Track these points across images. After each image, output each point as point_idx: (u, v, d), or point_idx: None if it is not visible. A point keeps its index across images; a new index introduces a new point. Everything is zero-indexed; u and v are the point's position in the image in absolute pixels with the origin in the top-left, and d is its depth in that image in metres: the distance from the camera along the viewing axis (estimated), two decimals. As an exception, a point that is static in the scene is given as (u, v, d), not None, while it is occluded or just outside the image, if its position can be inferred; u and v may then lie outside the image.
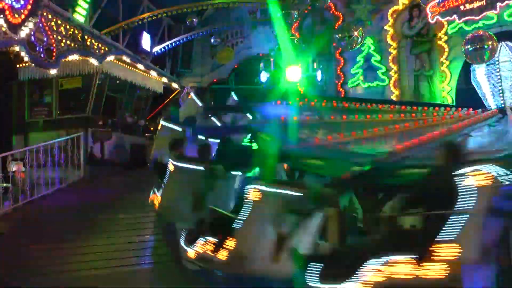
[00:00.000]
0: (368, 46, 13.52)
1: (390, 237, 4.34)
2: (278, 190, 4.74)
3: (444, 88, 12.19)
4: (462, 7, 11.72)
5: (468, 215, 3.38)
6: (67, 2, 12.59)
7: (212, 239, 5.41)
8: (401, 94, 12.99)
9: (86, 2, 13.07)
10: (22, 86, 14.01)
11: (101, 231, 8.61)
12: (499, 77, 10.44)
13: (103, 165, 13.28)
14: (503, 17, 11.19)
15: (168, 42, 18.25)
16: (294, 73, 12.23)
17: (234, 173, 6.77)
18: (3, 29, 9.35)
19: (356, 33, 9.74)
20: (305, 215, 4.54)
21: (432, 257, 3.38)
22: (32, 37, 10.05)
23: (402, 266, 3.50)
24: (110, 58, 13.46)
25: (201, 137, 8.19)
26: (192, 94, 9.17)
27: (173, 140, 7.80)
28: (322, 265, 4.10)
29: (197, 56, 20.22)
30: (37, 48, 10.42)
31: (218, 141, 8.58)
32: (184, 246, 6.12)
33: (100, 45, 13.29)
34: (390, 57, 13.25)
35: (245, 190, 5.07)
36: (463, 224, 3.37)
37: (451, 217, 3.44)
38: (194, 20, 16.29)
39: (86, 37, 12.64)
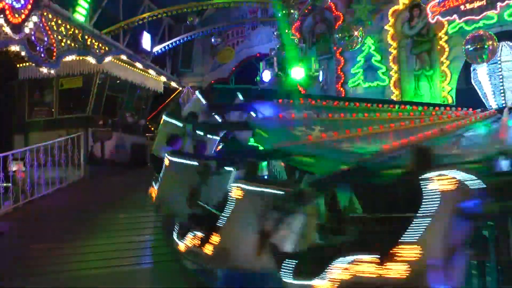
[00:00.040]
0: (369, 46, 13.51)
1: (359, 237, 4.54)
2: (260, 189, 4.87)
3: (445, 88, 12.18)
4: (462, 7, 11.71)
5: (430, 219, 3.48)
6: (68, 1, 12.58)
7: (199, 234, 5.60)
8: (402, 94, 12.98)
9: (87, 1, 13.07)
10: (23, 86, 14.02)
11: (101, 230, 8.62)
12: (501, 76, 10.42)
13: (103, 165, 13.29)
14: (503, 17, 11.17)
15: (168, 42, 18.24)
16: (298, 73, 12.24)
17: (228, 169, 6.84)
18: (4, 29, 9.36)
19: (356, 33, 9.72)
20: (287, 213, 4.67)
21: (394, 258, 3.50)
22: (33, 37, 10.06)
23: (366, 265, 3.64)
24: (111, 58, 13.46)
25: (200, 133, 8.23)
26: (197, 93, 9.21)
27: (170, 135, 7.93)
28: (296, 261, 4.26)
29: (198, 56, 20.22)
30: (38, 47, 10.42)
31: (217, 138, 8.70)
32: (176, 240, 6.29)
33: (100, 45, 13.30)
34: (390, 57, 13.23)
35: (229, 188, 5.21)
36: (425, 227, 3.47)
37: (414, 220, 3.55)
38: (195, 19, 16.29)
39: (86, 37, 12.64)
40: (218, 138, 8.79)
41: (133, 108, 16.10)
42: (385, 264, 3.54)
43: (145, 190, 9.71)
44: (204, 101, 8.80)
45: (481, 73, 10.56)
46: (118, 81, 14.49)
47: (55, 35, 11.14)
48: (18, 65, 13.46)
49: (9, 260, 7.69)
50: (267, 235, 4.67)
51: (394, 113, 8.92)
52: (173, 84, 18.16)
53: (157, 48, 17.71)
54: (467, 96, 11.44)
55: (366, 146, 6.22)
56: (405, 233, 3.53)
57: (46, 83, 13.73)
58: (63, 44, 11.60)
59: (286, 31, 13.23)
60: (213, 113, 8.75)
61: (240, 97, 8.99)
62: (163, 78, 17.03)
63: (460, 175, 3.50)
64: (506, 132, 6.22)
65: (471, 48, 8.55)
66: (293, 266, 4.27)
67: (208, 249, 5.23)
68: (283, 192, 4.74)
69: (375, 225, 4.52)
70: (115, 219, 9.18)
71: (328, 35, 14.68)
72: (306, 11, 14.94)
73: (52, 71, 11.41)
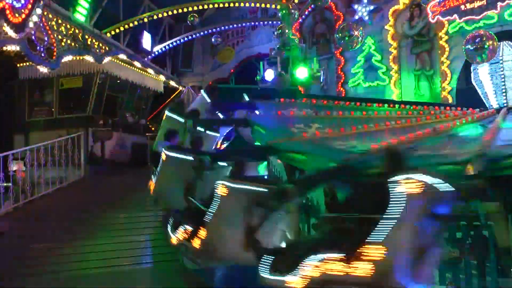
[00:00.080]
0: (369, 45, 13.52)
1: (331, 235, 4.69)
2: (244, 186, 5.05)
3: (445, 88, 12.19)
4: (462, 7, 11.72)
5: (395, 220, 3.59)
6: (68, 1, 12.58)
7: (189, 228, 5.82)
8: (402, 94, 12.99)
9: (87, 1, 13.07)
10: (23, 86, 14.02)
11: (101, 230, 8.62)
12: (502, 76, 10.41)
13: (104, 165, 13.29)
14: (503, 16, 11.18)
15: (168, 42, 18.23)
16: (302, 73, 12.27)
17: (222, 164, 6.95)
18: (4, 28, 9.36)
19: (356, 33, 9.71)
20: (271, 210, 4.83)
21: (360, 257, 3.63)
22: (33, 37, 10.05)
23: (335, 263, 3.80)
24: (111, 57, 13.46)
25: (200, 129, 8.36)
26: (202, 91, 9.34)
27: (168, 130, 8.12)
28: (273, 257, 4.43)
29: (198, 56, 20.21)
30: (38, 47, 10.42)
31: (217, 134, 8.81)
32: (170, 232, 6.50)
33: (100, 45, 13.29)
34: (390, 57, 13.24)
35: (214, 185, 5.40)
36: (390, 228, 3.59)
37: (380, 221, 3.67)
38: (196, 19, 16.28)
39: (86, 37, 12.64)
40: (218, 135, 8.88)
41: (133, 108, 16.10)
42: (351, 262, 3.67)
43: (145, 190, 9.73)
44: (209, 100, 8.95)
45: (482, 73, 10.55)
46: (118, 81, 14.49)
47: (55, 35, 11.14)
48: (18, 65, 13.45)
49: (9, 260, 7.70)
50: (251, 230, 4.82)
51: (393, 112, 8.95)
52: (173, 84, 18.16)
53: (158, 48, 17.70)
54: (467, 96, 11.44)
55: (358, 144, 6.29)
56: (371, 233, 3.65)
57: (46, 83, 13.73)
58: (63, 43, 11.60)
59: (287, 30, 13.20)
60: (217, 111, 8.90)
61: (246, 98, 9.09)
62: (163, 78, 17.03)
63: (427, 179, 3.57)
64: (492, 134, 6.23)
65: (472, 48, 8.53)
66: (270, 262, 4.42)
67: (196, 243, 5.43)
68: (266, 190, 4.86)
69: (349, 225, 4.68)
70: (115, 219, 9.18)
71: (328, 35, 14.70)
72: (307, 11, 14.95)
73: (52, 71, 11.40)
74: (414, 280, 3.55)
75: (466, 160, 4.79)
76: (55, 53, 10.94)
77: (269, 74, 13.63)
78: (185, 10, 16.59)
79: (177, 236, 6.22)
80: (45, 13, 10.72)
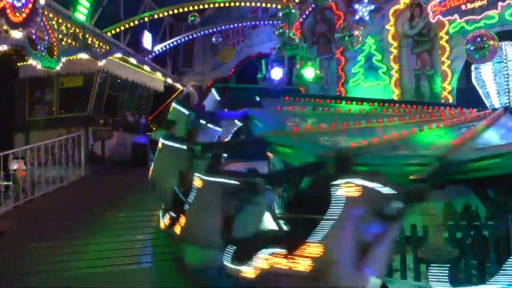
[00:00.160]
0: (369, 45, 13.52)
1: (283, 233, 5.17)
2: (217, 179, 5.45)
3: (445, 88, 12.19)
4: (463, 7, 11.72)
5: (334, 222, 3.84)
6: (69, 1, 12.59)
7: (173, 215, 6.39)
8: (402, 94, 12.99)
9: (88, 0, 13.07)
10: (23, 85, 14.01)
11: (101, 229, 8.61)
12: (506, 75, 10.42)
13: (104, 164, 13.30)
14: (504, 16, 11.18)
15: (169, 41, 18.24)
16: (310, 72, 12.29)
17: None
18: (4, 27, 9.36)
19: (357, 32, 9.72)
20: (242, 201, 5.16)
21: (301, 254, 3.92)
22: (33, 36, 10.05)
23: (281, 258, 4.12)
24: (111, 56, 13.46)
25: (203, 121, 8.78)
26: (212, 90, 9.62)
27: (168, 120, 8.60)
28: (235, 247, 4.78)
29: (198, 55, 20.21)
30: (38, 46, 10.42)
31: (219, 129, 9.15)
32: (161, 218, 7.12)
33: (101, 44, 13.30)
34: (391, 57, 13.24)
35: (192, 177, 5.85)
36: (329, 228, 3.84)
37: (321, 222, 3.93)
38: (197, 18, 16.29)
39: (87, 36, 12.65)
40: (220, 129, 9.25)
41: (134, 107, 16.10)
42: (294, 258, 3.97)
43: (145, 189, 9.75)
44: (218, 97, 9.24)
45: (485, 72, 10.55)
46: (118, 80, 14.48)
47: (56, 34, 11.14)
48: (18, 64, 13.45)
49: (9, 259, 7.70)
50: (224, 220, 5.20)
51: (390, 109, 9.06)
52: (173, 82, 18.15)
53: (158, 47, 17.71)
54: (468, 95, 11.45)
55: (344, 141, 6.43)
56: (312, 233, 3.91)
57: (47, 82, 13.72)
58: (64, 43, 11.61)
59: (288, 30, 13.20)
60: (225, 107, 9.17)
61: (257, 98, 9.38)
62: (163, 77, 17.03)
63: (367, 183, 3.79)
64: (464, 138, 6.34)
65: (472, 48, 8.53)
66: (232, 251, 4.78)
67: (177, 229, 6.01)
68: (237, 183, 5.19)
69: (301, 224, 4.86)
70: (116, 218, 9.17)
71: (328, 34, 14.70)
72: (307, 10, 14.95)
73: (56, 70, 11.39)
74: (363, 273, 3.79)
75: (426, 163, 5.08)
76: (55, 53, 10.94)
77: (277, 73, 13.51)
78: (185, 9, 16.61)
79: (164, 221, 6.88)
80: (46, 12, 10.73)
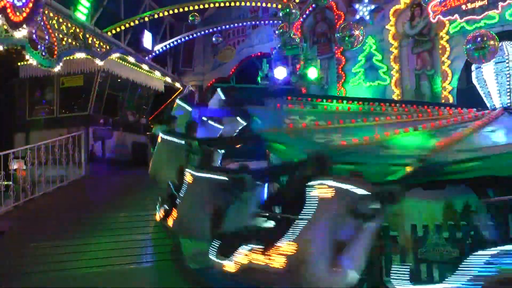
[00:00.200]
0: (370, 45, 13.51)
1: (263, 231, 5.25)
2: (206, 175, 5.61)
3: (446, 88, 12.18)
4: (463, 7, 11.71)
5: (306, 221, 3.97)
6: (69, 0, 12.58)
7: (167, 208, 6.66)
8: (402, 94, 12.98)
9: (88, 0, 13.07)
10: (23, 85, 14.01)
11: (102, 229, 8.62)
12: (508, 75, 10.40)
13: (104, 164, 13.30)
14: (504, 16, 11.16)
15: (169, 41, 18.23)
16: (313, 73, 12.30)
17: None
18: (5, 27, 9.36)
19: (357, 32, 9.71)
20: (233, 197, 5.33)
21: (276, 251, 4.08)
22: (34, 35, 10.05)
23: (258, 254, 4.31)
24: (112, 56, 13.46)
25: (204, 118, 9.05)
26: (218, 90, 9.73)
27: (168, 116, 8.91)
28: (220, 242, 4.96)
29: (199, 55, 20.20)
30: (39, 46, 10.41)
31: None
32: (157, 210, 7.41)
33: (101, 44, 13.29)
34: (391, 56, 13.23)
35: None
36: (302, 227, 3.98)
37: (295, 221, 4.07)
38: (197, 18, 16.28)
39: (87, 36, 12.65)
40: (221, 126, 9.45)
41: (134, 107, 16.09)
42: (270, 255, 4.15)
43: (145, 189, 9.75)
44: (223, 97, 9.38)
45: (487, 72, 10.52)
46: (119, 80, 14.48)
47: (56, 34, 11.14)
48: (18, 64, 13.45)
49: (9, 259, 7.70)
50: (213, 214, 5.36)
51: (389, 108, 9.10)
52: (173, 82, 18.13)
53: (158, 47, 17.70)
54: (468, 95, 11.44)
55: (337, 139, 6.49)
56: (288, 231, 4.08)
57: (47, 82, 13.71)
58: (64, 42, 11.61)
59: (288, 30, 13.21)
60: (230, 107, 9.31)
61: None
62: (164, 77, 17.02)
63: (340, 184, 3.95)
64: (449, 141, 6.37)
65: (472, 48, 8.53)
66: (217, 246, 4.95)
67: (170, 221, 6.27)
68: (226, 178, 5.36)
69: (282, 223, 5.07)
70: (116, 217, 9.18)
71: (329, 34, 14.68)
72: (307, 10, 14.94)
73: (55, 69, 11.38)
74: (337, 271, 3.92)
75: (407, 163, 5.18)
76: (56, 52, 10.94)
77: (281, 72, 13.45)
78: (186, 9, 16.59)
79: (159, 214, 7.19)
80: (46, 11, 10.73)
